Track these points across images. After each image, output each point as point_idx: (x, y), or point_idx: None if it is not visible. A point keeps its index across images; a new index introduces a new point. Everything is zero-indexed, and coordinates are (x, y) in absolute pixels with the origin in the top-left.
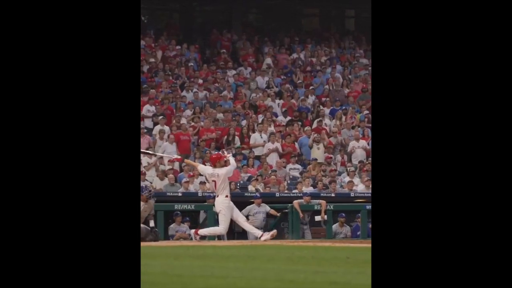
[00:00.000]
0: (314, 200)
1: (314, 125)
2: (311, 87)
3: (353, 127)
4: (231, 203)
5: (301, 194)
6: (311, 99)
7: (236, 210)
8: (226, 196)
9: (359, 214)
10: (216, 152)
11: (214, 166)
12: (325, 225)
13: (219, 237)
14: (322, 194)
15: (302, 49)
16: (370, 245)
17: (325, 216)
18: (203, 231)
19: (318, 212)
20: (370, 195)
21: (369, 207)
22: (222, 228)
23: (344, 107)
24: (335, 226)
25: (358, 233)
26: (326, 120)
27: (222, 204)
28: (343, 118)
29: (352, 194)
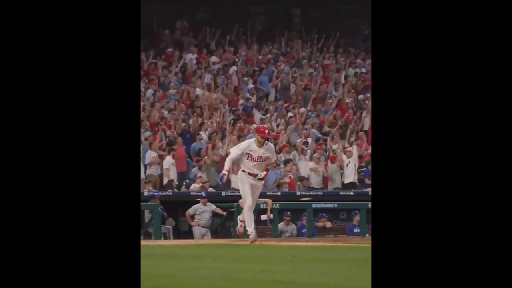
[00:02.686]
0: (260, 199)
1: (260, 122)
2: (257, 85)
3: (299, 125)
4: (248, 179)
5: None
6: (257, 96)
7: (254, 193)
8: (243, 171)
9: (305, 213)
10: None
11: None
12: (271, 224)
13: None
14: (268, 193)
15: (248, 48)
16: (315, 243)
17: (271, 215)
18: (242, 217)
19: (264, 211)
20: (316, 193)
21: (315, 205)
22: (245, 202)
23: (290, 105)
24: (281, 225)
25: (303, 231)
26: (272, 118)
27: (238, 177)
28: (288, 115)
29: (298, 193)
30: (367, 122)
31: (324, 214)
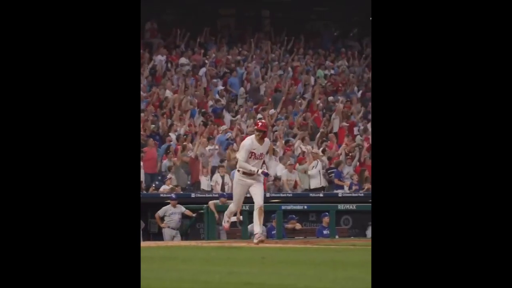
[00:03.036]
0: (230, 201)
1: (230, 124)
2: (227, 87)
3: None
4: (246, 180)
5: (217, 195)
6: (227, 98)
7: (255, 189)
8: (238, 171)
9: (274, 215)
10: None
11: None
12: (241, 226)
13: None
14: None
15: (218, 49)
16: (285, 245)
17: (241, 217)
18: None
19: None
20: (286, 195)
21: (284, 207)
22: (231, 204)
23: (259, 107)
24: (250, 227)
25: (273, 232)
26: (242, 119)
27: (234, 179)
28: (257, 117)
29: (267, 195)
30: (336, 124)
31: (293, 216)
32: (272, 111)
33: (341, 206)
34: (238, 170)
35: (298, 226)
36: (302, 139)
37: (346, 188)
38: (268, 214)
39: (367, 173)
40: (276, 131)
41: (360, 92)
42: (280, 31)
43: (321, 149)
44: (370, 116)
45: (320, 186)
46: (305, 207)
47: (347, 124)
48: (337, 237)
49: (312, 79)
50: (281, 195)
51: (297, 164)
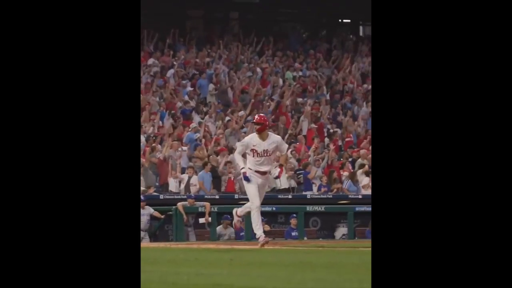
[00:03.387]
0: (199, 202)
1: (198, 126)
2: (195, 88)
3: (236, 129)
4: (256, 177)
5: (186, 196)
6: (196, 100)
7: (260, 192)
8: (250, 169)
9: None
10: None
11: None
12: (209, 227)
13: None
14: (206, 196)
15: (187, 51)
16: (253, 246)
17: (209, 218)
18: (240, 211)
19: (202, 214)
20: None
21: None
22: (249, 203)
23: (228, 108)
24: (219, 228)
25: (241, 234)
26: (211, 121)
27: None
28: (226, 119)
29: (236, 196)
30: (305, 126)
31: (262, 218)
32: (241, 112)
33: (309, 208)
34: (250, 169)
35: (266, 227)
36: None
37: (314, 189)
38: None
39: (335, 175)
40: (245, 133)
41: (329, 93)
42: (249, 32)
43: (289, 150)
44: (338, 118)
45: (288, 187)
46: (274, 208)
47: (316, 126)
48: (305, 238)
49: (281, 80)
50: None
51: None
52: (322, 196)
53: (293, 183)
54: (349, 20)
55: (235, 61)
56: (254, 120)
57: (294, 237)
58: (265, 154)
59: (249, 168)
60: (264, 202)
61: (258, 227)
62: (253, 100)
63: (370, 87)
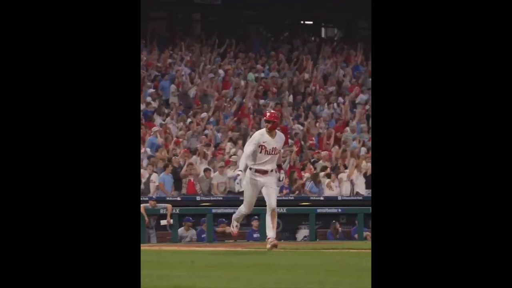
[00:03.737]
0: (160, 204)
1: (159, 128)
2: (158, 90)
3: (199, 130)
4: (259, 179)
5: (147, 198)
6: (158, 101)
7: (268, 190)
8: (250, 169)
9: (205, 218)
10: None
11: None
12: (171, 229)
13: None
14: (168, 198)
15: (149, 52)
16: (215, 248)
17: (171, 220)
18: (234, 216)
19: (164, 216)
20: (216, 198)
21: (215, 210)
22: (242, 206)
23: (190, 110)
24: (180, 230)
25: (203, 236)
26: (173, 123)
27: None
28: (188, 120)
29: (198, 198)
30: None
31: (223, 219)
32: (204, 114)
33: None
34: (250, 168)
35: (228, 229)
36: (235, 143)
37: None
38: (198, 218)
39: (296, 175)
40: (206, 135)
41: (291, 95)
42: (211, 34)
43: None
44: (300, 119)
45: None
46: (235, 210)
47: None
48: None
49: (243, 82)
50: (212, 198)
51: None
52: (284, 198)
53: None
54: (311, 22)
55: (197, 63)
56: (266, 118)
57: (256, 239)
58: (273, 152)
59: (249, 168)
60: (226, 204)
61: (269, 229)
62: (215, 102)
63: (331, 88)
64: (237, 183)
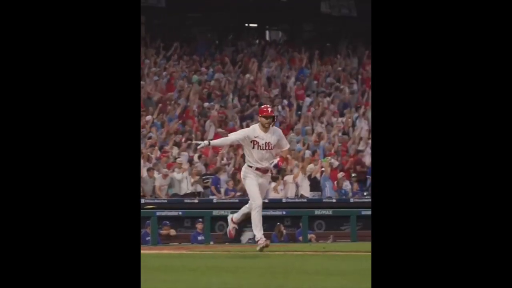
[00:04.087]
0: None
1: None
2: None
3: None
4: (257, 175)
5: None
6: None
7: (261, 188)
8: (250, 166)
9: (149, 221)
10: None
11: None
12: None
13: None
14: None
15: None
16: (159, 251)
17: None
18: (235, 217)
19: None
20: (161, 201)
21: (159, 213)
22: (246, 206)
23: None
24: None
25: (147, 239)
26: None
27: (243, 173)
28: None
29: (142, 201)
30: (212, 130)
31: (167, 222)
32: (148, 117)
33: (216, 212)
34: (251, 167)
35: (172, 232)
36: (179, 145)
37: (222, 193)
38: (142, 220)
39: (239, 176)
40: (150, 138)
41: (237, 97)
42: (156, 37)
43: (196, 155)
44: (245, 122)
45: (189, 192)
46: (180, 213)
47: (223, 130)
48: (212, 243)
49: (187, 85)
50: (156, 201)
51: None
52: (228, 200)
53: (200, 188)
54: (255, 25)
55: (141, 66)
56: (267, 114)
57: (201, 241)
58: (267, 147)
59: (248, 166)
60: (170, 207)
61: (258, 229)
62: (160, 105)
63: (276, 91)
64: (198, 148)
